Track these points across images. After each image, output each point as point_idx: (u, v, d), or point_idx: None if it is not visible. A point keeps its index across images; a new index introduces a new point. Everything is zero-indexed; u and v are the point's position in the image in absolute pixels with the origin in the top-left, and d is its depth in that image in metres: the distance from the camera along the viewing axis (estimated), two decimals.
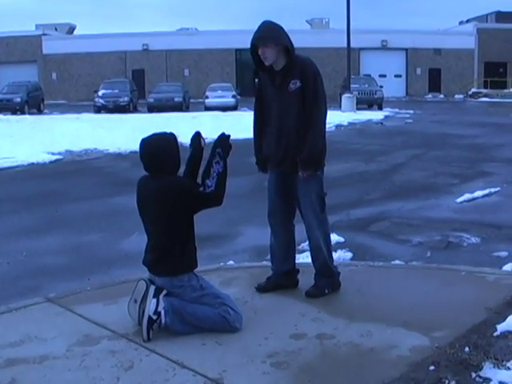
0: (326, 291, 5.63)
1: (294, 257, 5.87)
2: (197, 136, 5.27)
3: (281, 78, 5.50)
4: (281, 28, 5.55)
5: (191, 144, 5.27)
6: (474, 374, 4.09)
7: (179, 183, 4.91)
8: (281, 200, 5.69)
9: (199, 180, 5.02)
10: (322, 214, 5.64)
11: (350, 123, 29.14)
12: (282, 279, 5.79)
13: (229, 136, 5.11)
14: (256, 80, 5.83)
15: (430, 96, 58.10)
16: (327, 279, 5.70)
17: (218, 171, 4.88)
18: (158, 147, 4.90)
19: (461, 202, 10.93)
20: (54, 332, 4.98)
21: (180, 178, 5.01)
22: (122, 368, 4.36)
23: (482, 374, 4.09)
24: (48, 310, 5.54)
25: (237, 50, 59.27)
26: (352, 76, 41.61)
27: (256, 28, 5.52)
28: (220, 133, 5.13)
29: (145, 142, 4.94)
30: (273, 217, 5.80)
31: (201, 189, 4.87)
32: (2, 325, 5.23)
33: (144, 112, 40.34)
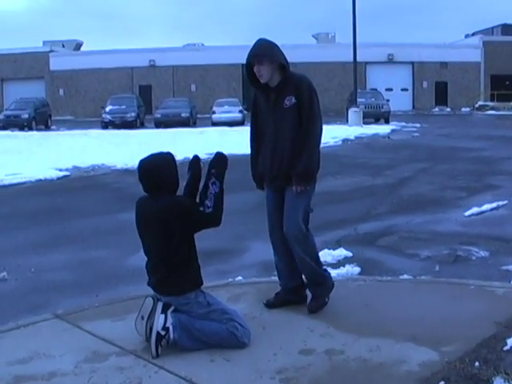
0: (326, 300, 5.63)
1: (300, 272, 5.83)
2: (196, 160, 5.24)
3: (276, 95, 5.53)
4: (275, 45, 5.54)
5: (189, 168, 5.23)
6: None
7: (180, 203, 4.90)
8: (279, 215, 5.65)
9: (198, 200, 5.02)
10: (307, 230, 5.65)
11: (356, 137, 29.13)
12: (291, 295, 5.77)
13: (223, 155, 5.08)
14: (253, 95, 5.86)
15: (436, 109, 58.12)
16: (322, 287, 5.69)
17: (215, 191, 4.87)
18: (157, 167, 4.90)
19: (469, 216, 10.90)
20: (62, 349, 4.98)
21: (180, 197, 5.00)
22: None
23: None
24: (56, 326, 5.54)
25: (243, 64, 58.57)
26: (358, 90, 41.67)
27: (251, 46, 5.52)
28: (215, 152, 5.12)
29: (143, 163, 4.94)
30: (273, 234, 5.78)
31: (201, 208, 4.87)
32: (10, 341, 5.23)
33: (151, 127, 40.43)
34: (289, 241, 5.56)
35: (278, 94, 5.50)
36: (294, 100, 5.45)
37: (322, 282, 5.70)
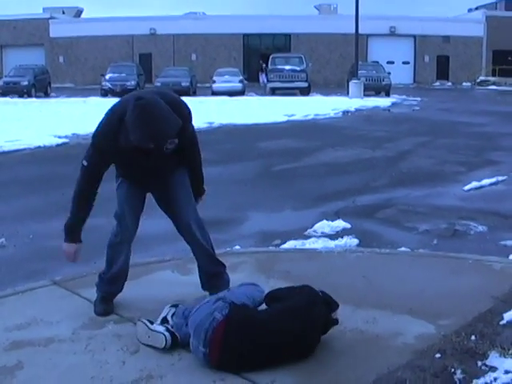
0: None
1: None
2: None
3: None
4: (166, 114, 4.48)
5: None
6: (479, 363, 4.08)
7: None
8: None
9: None
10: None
11: (357, 109, 29.06)
12: None
13: None
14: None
15: (437, 83, 57.91)
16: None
17: None
18: None
19: (468, 190, 10.90)
20: (59, 315, 4.99)
21: None
22: (128, 352, 4.36)
23: (487, 362, 4.08)
24: (54, 293, 5.55)
25: (244, 34, 59.24)
26: (360, 62, 41.48)
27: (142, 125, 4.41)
28: None
29: None
30: None
31: None
32: (8, 307, 5.24)
33: None
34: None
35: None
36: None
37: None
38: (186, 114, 4.72)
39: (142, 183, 5.10)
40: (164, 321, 4.57)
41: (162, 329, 4.44)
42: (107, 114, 4.87)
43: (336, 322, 4.44)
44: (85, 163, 4.95)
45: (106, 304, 5.11)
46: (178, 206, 5.06)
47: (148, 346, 4.41)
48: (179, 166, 5.04)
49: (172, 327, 4.46)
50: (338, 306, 4.48)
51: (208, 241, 5.24)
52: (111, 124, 4.71)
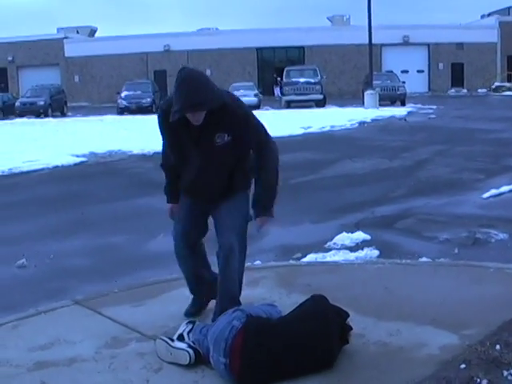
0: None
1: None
2: None
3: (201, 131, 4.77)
4: (207, 83, 4.61)
5: None
6: (505, 372, 4.04)
7: None
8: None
9: None
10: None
11: (373, 120, 29.03)
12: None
13: None
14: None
15: (452, 91, 57.74)
16: None
17: None
18: None
19: (487, 198, 10.84)
20: (82, 335, 4.99)
21: None
22: (152, 370, 4.36)
23: None
24: (76, 312, 5.56)
25: (258, 48, 59.39)
26: (374, 72, 41.51)
27: (179, 90, 4.53)
28: None
29: None
30: None
31: None
32: (30, 328, 5.25)
33: None
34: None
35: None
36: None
37: None
38: (241, 113, 4.74)
39: (198, 193, 5.01)
40: (180, 338, 4.56)
41: (184, 345, 4.43)
42: (164, 100, 5.14)
43: (350, 328, 4.44)
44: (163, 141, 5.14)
45: (190, 306, 5.30)
46: (220, 226, 4.96)
47: (171, 363, 4.40)
48: (239, 189, 4.98)
49: (194, 343, 4.46)
50: (348, 315, 4.48)
51: (233, 274, 4.99)
52: (169, 100, 4.83)
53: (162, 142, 5.13)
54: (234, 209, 4.93)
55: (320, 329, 4.24)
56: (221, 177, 4.89)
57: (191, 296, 5.36)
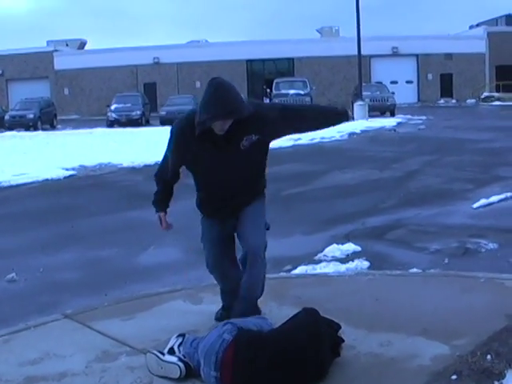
0: None
1: None
2: None
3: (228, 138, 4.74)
4: (237, 93, 4.74)
5: None
6: (496, 383, 4.04)
7: None
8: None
9: None
10: None
11: (362, 131, 29.06)
12: None
13: None
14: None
15: (442, 101, 57.94)
16: None
17: None
18: None
19: (477, 208, 10.86)
20: (72, 349, 4.97)
21: None
22: None
23: (504, 382, 4.04)
24: (66, 326, 5.53)
25: (247, 60, 59.50)
26: (363, 83, 41.59)
27: (210, 97, 4.59)
28: None
29: None
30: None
31: None
32: (20, 342, 5.22)
33: (156, 125, 40.42)
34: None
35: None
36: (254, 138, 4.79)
37: None
38: (266, 113, 4.84)
39: (220, 208, 4.98)
40: (171, 351, 4.54)
41: (174, 359, 4.42)
42: (184, 114, 5.08)
43: (342, 340, 4.43)
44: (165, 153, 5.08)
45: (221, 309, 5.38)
46: (246, 232, 4.98)
47: (161, 377, 4.38)
48: (259, 194, 5.07)
49: (184, 356, 4.44)
50: (340, 326, 4.48)
51: (259, 280, 5.11)
52: (188, 116, 4.87)
53: (164, 155, 5.10)
54: (258, 215, 5.03)
55: (311, 341, 4.24)
56: (246, 183, 4.93)
57: (190, 307, 5.33)
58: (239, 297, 5.08)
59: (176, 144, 4.88)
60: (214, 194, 4.97)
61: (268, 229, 5.15)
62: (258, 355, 4.13)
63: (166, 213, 5.23)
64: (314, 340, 4.25)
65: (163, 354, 4.48)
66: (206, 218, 5.14)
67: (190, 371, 4.35)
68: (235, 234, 5.12)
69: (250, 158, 4.83)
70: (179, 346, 4.54)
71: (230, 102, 4.54)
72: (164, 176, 5.11)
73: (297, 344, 4.21)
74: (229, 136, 4.68)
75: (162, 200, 5.22)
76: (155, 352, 4.51)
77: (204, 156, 4.78)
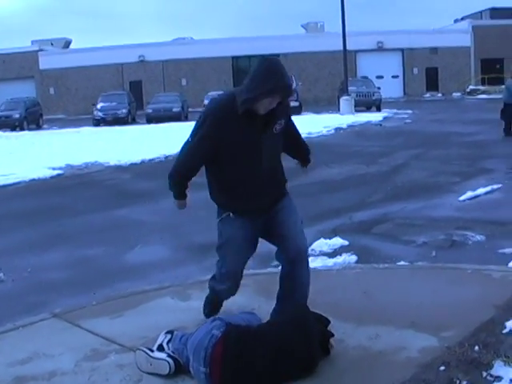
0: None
1: None
2: None
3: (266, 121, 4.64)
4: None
5: None
6: (484, 373, 4.06)
7: None
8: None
9: None
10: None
11: (349, 126, 29.13)
12: None
13: None
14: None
15: (428, 95, 58.12)
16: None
17: None
18: None
19: (463, 200, 10.91)
20: (61, 348, 4.96)
21: None
22: (131, 381, 4.35)
23: (492, 372, 4.07)
24: (54, 325, 5.53)
25: (233, 57, 59.44)
26: (349, 78, 41.67)
27: (267, 72, 4.49)
28: None
29: None
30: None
31: None
32: (9, 342, 5.21)
33: (143, 123, 40.39)
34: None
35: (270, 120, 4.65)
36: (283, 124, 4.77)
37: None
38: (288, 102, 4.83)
39: (257, 199, 4.74)
40: (160, 348, 4.54)
41: (163, 355, 4.42)
42: (220, 96, 4.88)
43: (332, 334, 4.45)
44: (190, 139, 4.70)
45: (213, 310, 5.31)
46: (288, 232, 4.82)
47: (151, 374, 4.39)
48: (285, 190, 4.98)
49: (173, 353, 4.45)
50: (329, 321, 4.49)
51: (308, 279, 5.00)
52: (226, 97, 4.69)
53: (185, 148, 4.75)
54: (294, 213, 4.92)
55: (300, 336, 4.25)
56: (279, 171, 4.90)
57: (178, 304, 5.32)
58: (292, 301, 4.89)
59: (213, 126, 4.54)
60: (247, 184, 4.69)
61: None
62: (246, 350, 4.14)
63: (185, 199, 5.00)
64: (302, 335, 4.26)
65: (152, 351, 4.48)
66: (233, 219, 4.79)
67: (180, 367, 4.36)
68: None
69: (279, 144, 4.78)
70: (168, 342, 4.54)
71: (288, 76, 4.51)
72: (191, 173, 4.80)
73: (285, 339, 4.22)
74: (268, 118, 4.58)
75: (183, 190, 4.90)
76: (144, 349, 4.51)
77: (242, 138, 4.55)
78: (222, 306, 5.30)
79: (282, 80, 4.44)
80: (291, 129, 4.99)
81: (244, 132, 4.53)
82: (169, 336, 4.60)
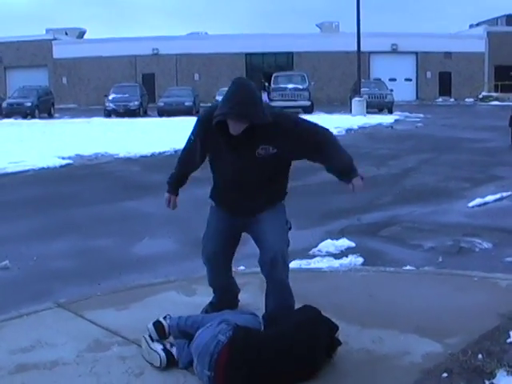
0: None
1: None
2: None
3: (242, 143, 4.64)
4: (257, 97, 4.57)
5: None
6: (487, 382, 4.05)
7: None
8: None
9: None
10: None
11: (360, 127, 29.08)
12: None
13: None
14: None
15: (440, 100, 57.99)
16: None
17: None
18: None
19: (472, 207, 10.88)
20: (64, 338, 4.97)
21: None
22: (133, 374, 4.35)
23: (495, 381, 4.05)
24: (58, 315, 5.53)
25: (247, 54, 59.43)
26: (362, 80, 41.58)
27: (230, 95, 4.52)
28: None
29: None
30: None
31: None
32: (12, 330, 5.22)
33: (154, 116, 40.41)
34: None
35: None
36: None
37: None
38: (290, 126, 4.69)
39: (236, 205, 4.88)
40: (160, 331, 4.70)
41: (159, 348, 4.48)
42: (215, 103, 5.06)
43: (339, 342, 4.44)
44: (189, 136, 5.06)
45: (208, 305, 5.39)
46: (264, 237, 4.84)
47: (152, 366, 4.42)
48: (277, 200, 4.98)
49: (172, 345, 4.50)
50: (338, 328, 4.47)
51: (286, 283, 5.01)
52: (213, 106, 4.85)
53: (188, 138, 5.08)
54: (276, 219, 4.91)
55: (309, 342, 4.23)
56: (260, 188, 4.81)
57: (182, 299, 5.34)
58: (272, 307, 4.97)
59: (199, 131, 4.89)
60: (228, 189, 4.89)
61: (289, 228, 5.10)
62: (252, 359, 4.13)
63: (176, 195, 5.28)
64: (311, 341, 4.25)
65: (153, 341, 4.53)
66: (216, 209, 5.04)
67: (172, 362, 4.42)
68: (240, 237, 5.13)
69: (265, 167, 4.70)
70: (164, 318, 4.75)
71: (246, 105, 4.41)
72: (184, 158, 5.16)
73: (292, 344, 4.21)
74: (243, 139, 4.57)
75: (176, 183, 5.25)
76: (146, 337, 4.61)
77: (219, 150, 4.73)
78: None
79: (236, 109, 4.40)
80: (305, 147, 4.82)
81: (218, 144, 4.68)
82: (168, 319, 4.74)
